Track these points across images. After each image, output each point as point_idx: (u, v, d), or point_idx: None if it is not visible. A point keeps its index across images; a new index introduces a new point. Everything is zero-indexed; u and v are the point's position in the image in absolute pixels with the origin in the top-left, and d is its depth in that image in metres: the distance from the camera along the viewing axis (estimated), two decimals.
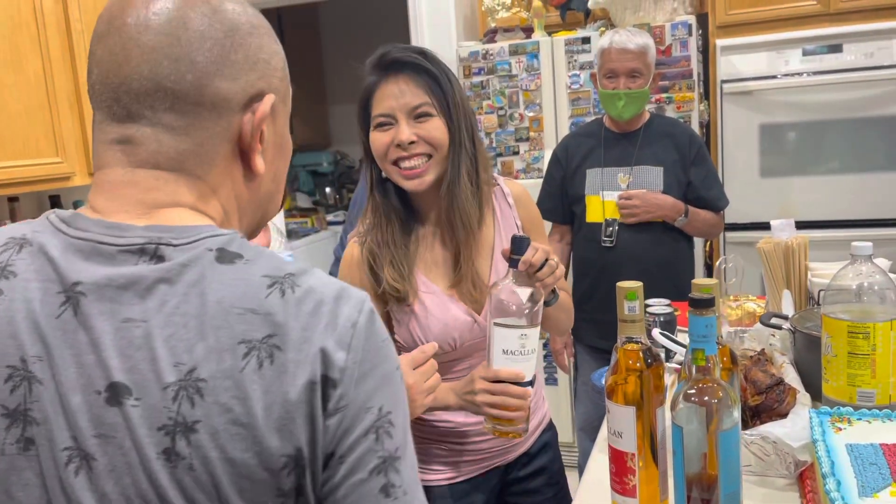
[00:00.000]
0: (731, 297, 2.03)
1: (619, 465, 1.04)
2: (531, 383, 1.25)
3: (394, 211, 1.36)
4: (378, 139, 1.31)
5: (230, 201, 0.70)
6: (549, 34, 3.25)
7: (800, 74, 2.95)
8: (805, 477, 1.16)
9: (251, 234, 0.74)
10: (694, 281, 1.02)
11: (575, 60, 3.12)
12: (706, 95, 3.18)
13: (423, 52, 1.32)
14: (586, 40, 3.08)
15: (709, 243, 3.19)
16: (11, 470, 0.60)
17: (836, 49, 2.91)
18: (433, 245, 1.39)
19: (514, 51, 3.18)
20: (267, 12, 4.16)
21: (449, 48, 3.48)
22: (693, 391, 0.94)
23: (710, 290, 0.96)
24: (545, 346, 3.23)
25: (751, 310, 1.89)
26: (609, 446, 1.06)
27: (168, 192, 0.65)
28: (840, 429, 1.17)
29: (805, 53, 2.95)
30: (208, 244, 0.63)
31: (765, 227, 1.95)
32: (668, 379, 1.30)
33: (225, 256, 0.63)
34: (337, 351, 0.61)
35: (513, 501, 1.50)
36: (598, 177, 2.39)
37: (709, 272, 3.14)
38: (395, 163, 1.31)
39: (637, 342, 1.03)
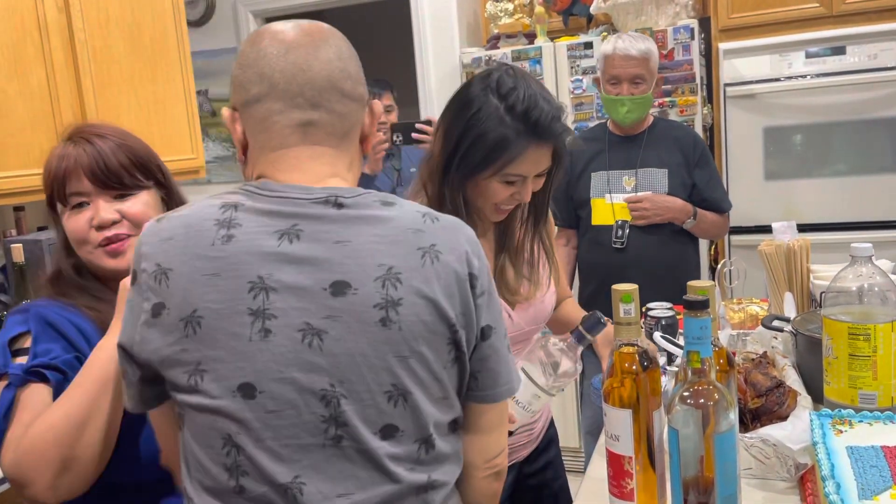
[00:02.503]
0: (735, 300, 2.02)
1: (617, 468, 1.04)
2: (511, 433, 1.26)
3: (462, 219, 1.37)
4: (500, 191, 1.33)
5: (356, 170, 0.98)
6: (552, 39, 3.25)
7: (803, 77, 2.94)
8: (806, 479, 1.15)
9: None
10: (690, 283, 1.02)
11: (577, 65, 3.12)
12: (709, 99, 3.18)
13: (562, 119, 1.34)
14: (588, 45, 3.09)
15: (713, 246, 3.18)
16: (256, 351, 0.85)
17: (839, 51, 2.91)
18: (481, 244, 1.41)
19: (517, 56, 3.19)
20: (271, 21, 4.18)
21: (452, 54, 3.49)
22: (688, 394, 0.93)
23: (706, 291, 0.96)
24: None
25: (753, 312, 1.89)
26: (606, 450, 1.05)
27: (334, 164, 0.94)
28: (841, 431, 1.16)
29: (808, 56, 2.94)
30: (372, 197, 0.92)
31: (769, 230, 1.94)
32: (670, 383, 1.30)
33: (386, 203, 0.92)
34: (473, 257, 0.93)
35: (522, 496, 1.52)
36: (603, 180, 2.39)
37: (713, 275, 3.13)
38: (498, 206, 1.36)
39: (633, 345, 1.03)
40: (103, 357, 1.05)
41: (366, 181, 2.97)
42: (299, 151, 0.92)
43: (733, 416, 0.95)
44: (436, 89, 3.55)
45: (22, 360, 1.08)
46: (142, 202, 1.21)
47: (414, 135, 2.69)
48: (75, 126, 1.25)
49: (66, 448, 1.01)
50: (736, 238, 3.06)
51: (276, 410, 0.85)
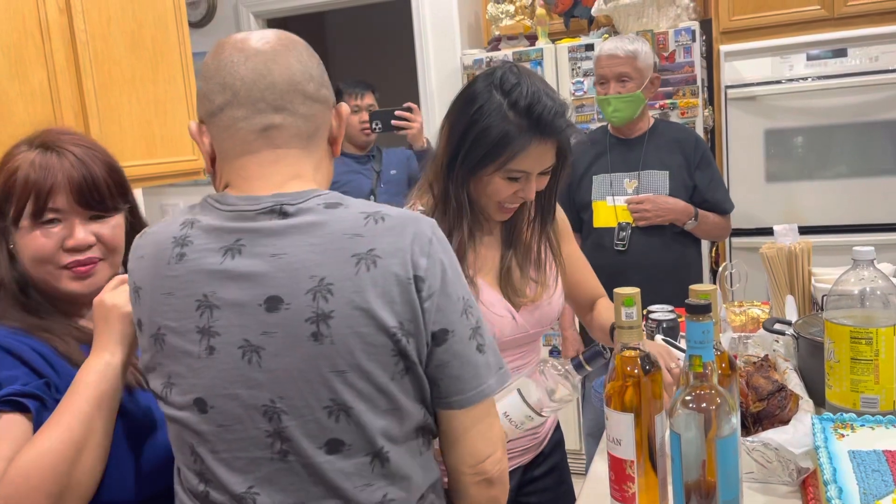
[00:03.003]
0: (736, 303, 2.02)
1: (618, 472, 1.04)
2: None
3: (466, 217, 1.37)
4: (503, 188, 1.32)
5: (324, 171, 0.98)
6: (553, 42, 3.25)
7: (804, 79, 2.94)
8: (808, 484, 1.15)
9: None
10: (692, 287, 1.02)
11: (578, 67, 3.12)
12: (710, 101, 3.17)
13: (566, 115, 1.32)
14: (590, 47, 3.08)
15: (714, 248, 3.18)
16: (204, 368, 0.88)
17: (840, 53, 2.90)
18: (488, 244, 1.42)
19: (518, 58, 3.19)
20: (272, 22, 4.13)
21: (453, 56, 3.49)
22: (691, 398, 0.93)
23: (708, 295, 0.96)
24: (553, 354, 3.23)
25: (755, 315, 1.88)
26: (608, 453, 1.05)
27: (299, 166, 0.93)
28: (843, 435, 1.16)
29: (809, 58, 2.94)
30: (318, 200, 0.90)
31: (770, 232, 1.94)
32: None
33: (331, 205, 0.90)
34: (420, 257, 0.88)
35: (525, 500, 1.51)
36: (605, 182, 2.40)
37: (714, 277, 3.13)
38: (502, 204, 1.35)
39: (635, 349, 1.02)
40: (94, 376, 1.00)
41: (358, 161, 2.98)
42: (263, 157, 0.92)
43: (735, 420, 0.95)
44: (437, 91, 3.55)
45: None
46: (115, 224, 1.15)
47: (394, 122, 2.70)
48: (44, 131, 1.14)
49: (63, 476, 0.94)
50: (737, 240, 3.06)
51: (226, 425, 0.89)
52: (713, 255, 3.19)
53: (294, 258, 0.86)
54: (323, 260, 0.86)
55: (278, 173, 0.92)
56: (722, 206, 2.41)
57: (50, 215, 1.09)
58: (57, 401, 1.00)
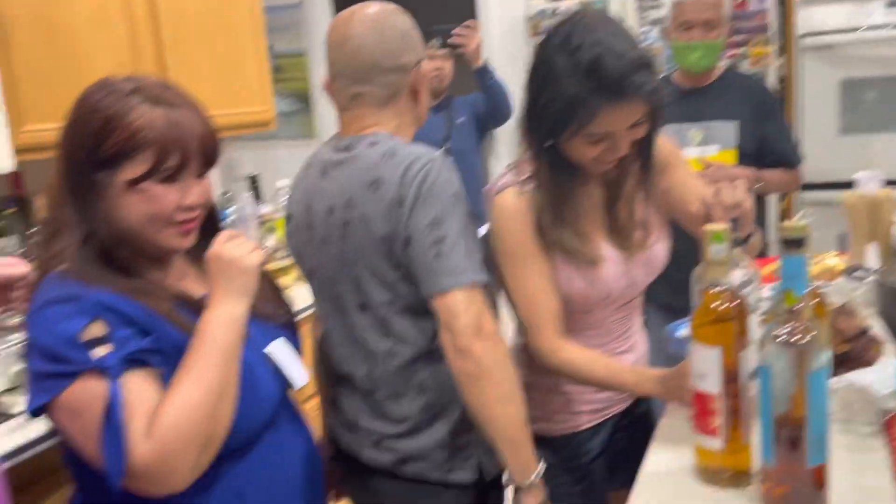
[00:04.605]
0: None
1: (702, 406, 1.06)
2: None
3: (566, 173, 1.31)
4: (588, 150, 1.25)
5: (407, 116, 1.33)
6: None
7: (884, 27, 2.83)
8: (891, 425, 1.15)
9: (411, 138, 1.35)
10: (782, 224, 1.02)
11: (646, 17, 3.06)
12: (783, 50, 3.08)
13: (651, 67, 1.23)
14: None
15: (785, 200, 3.11)
16: (312, 251, 1.34)
17: None
18: (592, 200, 1.37)
19: (584, 9, 3.13)
20: None
21: (516, 6, 3.45)
22: (782, 331, 0.94)
23: (804, 229, 0.95)
24: None
25: (830, 265, 1.86)
26: (692, 389, 1.07)
27: (376, 118, 1.30)
28: None
29: (889, 5, 2.82)
30: (368, 140, 1.27)
31: (843, 186, 1.89)
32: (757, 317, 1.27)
33: (372, 144, 1.26)
34: (408, 186, 1.18)
35: (616, 446, 1.50)
36: (670, 133, 2.35)
37: None
38: (595, 160, 1.27)
39: (723, 284, 1.03)
40: (219, 328, 1.02)
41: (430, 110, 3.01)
42: (353, 113, 1.32)
43: (826, 355, 0.95)
44: (498, 42, 3.51)
45: (102, 350, 0.96)
46: (210, 182, 1.12)
47: (451, 40, 2.93)
48: (141, 82, 1.06)
49: (209, 425, 0.97)
50: (807, 195, 2.99)
51: (320, 282, 1.34)
52: (782, 207, 3.13)
53: (342, 181, 1.26)
54: (351, 185, 1.24)
55: (361, 122, 1.31)
56: (790, 159, 2.34)
57: (174, 172, 1.04)
58: (172, 359, 1.00)
